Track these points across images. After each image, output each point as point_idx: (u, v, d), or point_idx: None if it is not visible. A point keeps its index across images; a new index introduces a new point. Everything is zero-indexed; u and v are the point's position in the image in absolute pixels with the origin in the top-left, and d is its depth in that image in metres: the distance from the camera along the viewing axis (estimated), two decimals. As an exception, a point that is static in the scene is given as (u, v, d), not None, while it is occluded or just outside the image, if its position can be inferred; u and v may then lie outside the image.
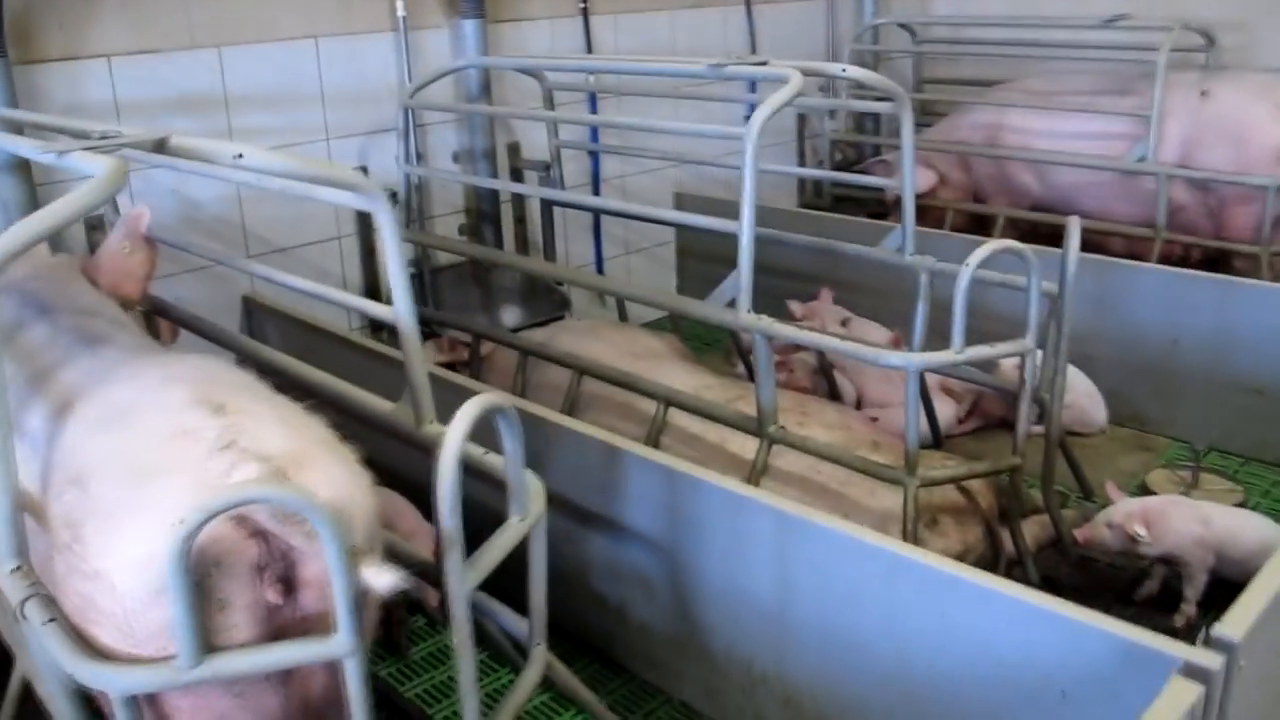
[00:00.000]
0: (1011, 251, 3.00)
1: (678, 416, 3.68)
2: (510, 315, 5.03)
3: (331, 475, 2.01)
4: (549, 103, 4.75)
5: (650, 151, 4.95)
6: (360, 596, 1.90)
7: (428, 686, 3.23)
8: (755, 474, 3.37)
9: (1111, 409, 4.51)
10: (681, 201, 5.69)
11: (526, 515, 2.27)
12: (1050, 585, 3.48)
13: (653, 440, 3.65)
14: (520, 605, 2.47)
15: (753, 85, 5.62)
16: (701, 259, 5.70)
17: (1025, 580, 3.34)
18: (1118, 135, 5.26)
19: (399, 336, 2.58)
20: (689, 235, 5.69)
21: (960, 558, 3.19)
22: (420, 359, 2.61)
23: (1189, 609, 3.32)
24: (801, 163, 6.32)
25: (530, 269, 4.04)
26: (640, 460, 2.96)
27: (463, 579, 2.03)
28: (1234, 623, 2.16)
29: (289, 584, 1.94)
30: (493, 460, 2.35)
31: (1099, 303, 4.46)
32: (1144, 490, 4.00)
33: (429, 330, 4.57)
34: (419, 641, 3.39)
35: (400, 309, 2.54)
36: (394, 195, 4.41)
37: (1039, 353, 3.36)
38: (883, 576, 2.51)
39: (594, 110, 5.27)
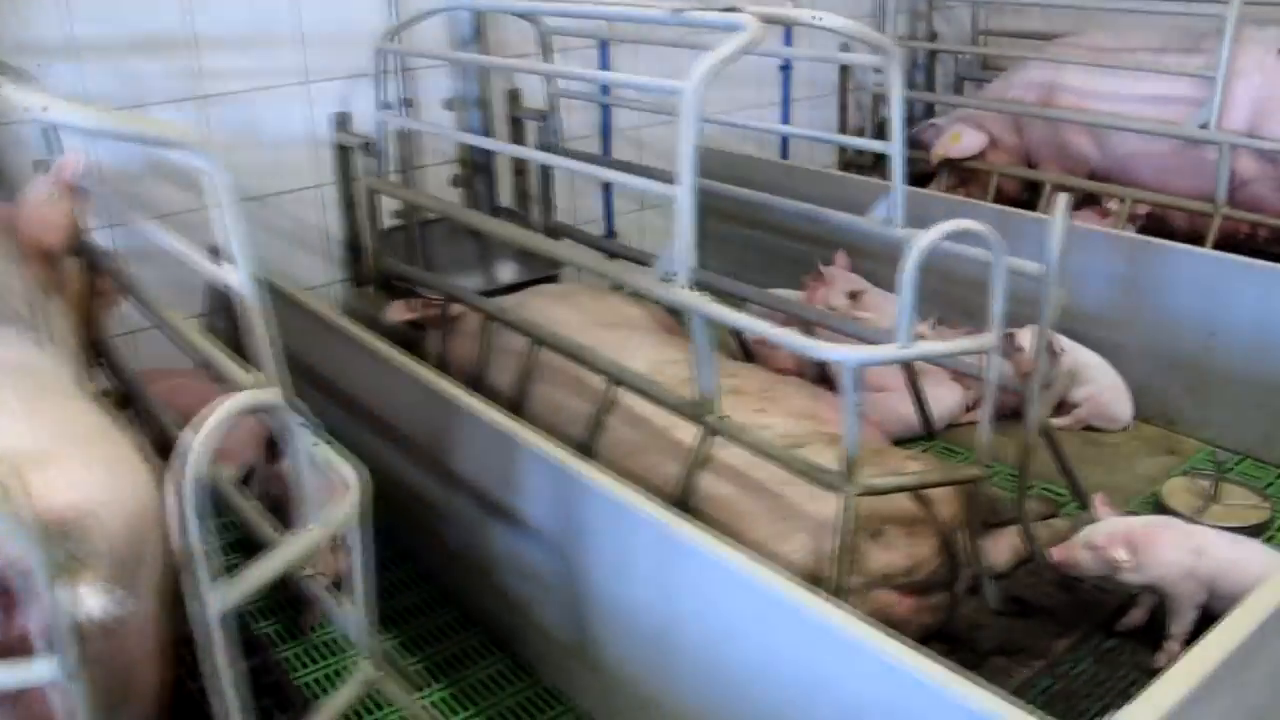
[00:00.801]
0: (970, 232, 2.54)
1: (631, 396, 3.32)
2: (506, 271, 4.71)
3: (75, 477, 1.73)
4: (546, 49, 4.39)
5: (644, 104, 4.55)
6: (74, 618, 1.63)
7: (329, 671, 2.99)
8: (692, 465, 3.01)
9: (1139, 405, 4.00)
10: (703, 156, 5.24)
11: (323, 523, 1.96)
12: (1021, 607, 3.07)
13: (598, 421, 3.31)
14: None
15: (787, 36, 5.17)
16: (723, 218, 5.28)
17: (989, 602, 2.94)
18: (1182, 99, 4.65)
19: (243, 308, 2.27)
20: (708, 191, 5.26)
21: (908, 574, 2.82)
22: (264, 332, 2.30)
23: (1173, 647, 2.86)
24: (843, 119, 5.81)
25: (490, 231, 3.70)
26: (533, 451, 2.63)
27: (206, 602, 1.74)
28: (1145, 711, 1.75)
29: (8, 599, 1.69)
30: (304, 455, 2.04)
31: (1131, 286, 3.94)
32: (1158, 503, 3.51)
33: (410, 289, 4.28)
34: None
35: (240, 277, 2.23)
36: (368, 145, 4.12)
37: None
38: (757, 613, 2.14)
39: (604, 59, 4.86)
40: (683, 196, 2.85)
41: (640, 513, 2.35)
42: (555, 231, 4.65)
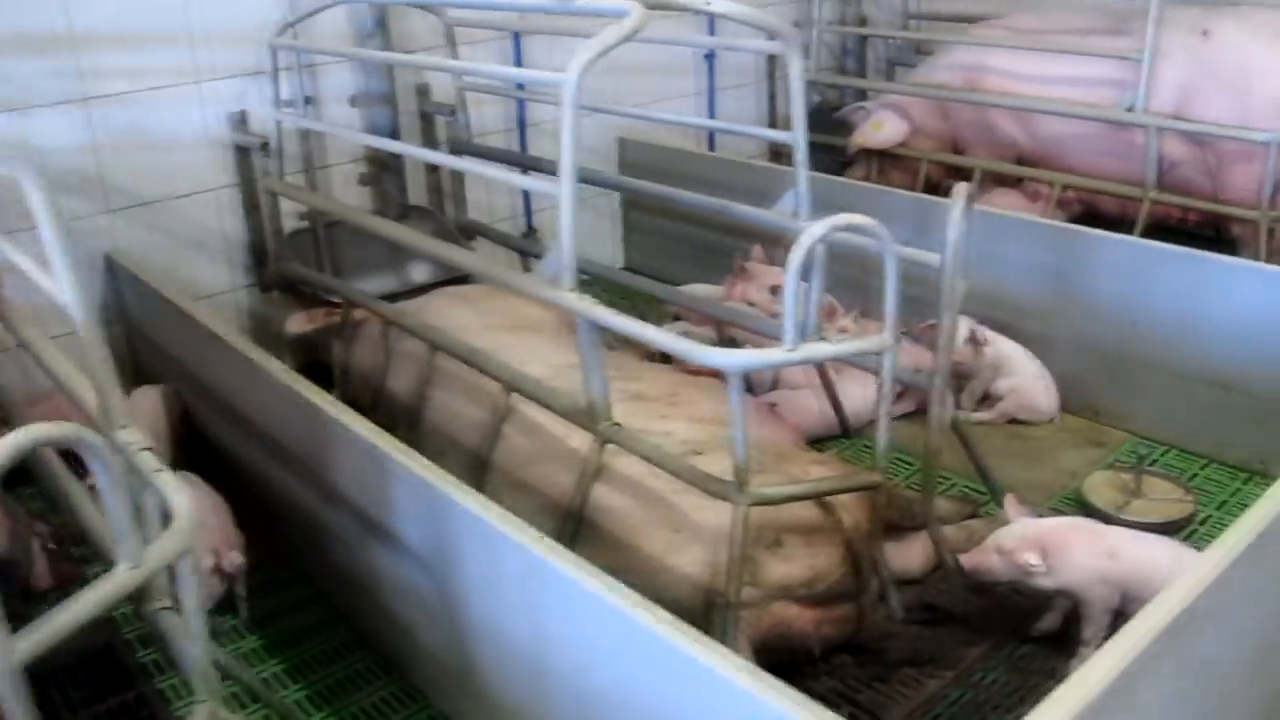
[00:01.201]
0: (855, 228, 2.38)
1: (528, 402, 3.14)
2: (419, 271, 4.52)
3: None
4: (451, 41, 4.19)
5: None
6: None
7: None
8: (585, 476, 2.84)
9: (1064, 396, 3.85)
10: (625, 149, 5.09)
11: (138, 563, 1.77)
12: (934, 614, 2.92)
13: (495, 429, 3.14)
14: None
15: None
16: (649, 212, 5.11)
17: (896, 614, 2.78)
18: (1109, 81, 4.51)
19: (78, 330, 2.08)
20: (638, 176, 5.09)
21: (809, 586, 2.66)
22: (99, 358, 2.11)
23: (1087, 653, 2.71)
24: (772, 107, 5.64)
25: (383, 234, 3.50)
26: (402, 469, 2.44)
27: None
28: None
29: None
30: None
31: (1053, 274, 3.79)
32: (1080, 499, 3.37)
33: (314, 295, 4.09)
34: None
35: (68, 295, 2.03)
36: (264, 145, 3.92)
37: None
38: (620, 641, 1.98)
39: (518, 51, 4.66)
40: (564, 194, 2.67)
41: (507, 536, 2.18)
42: (468, 230, 4.47)
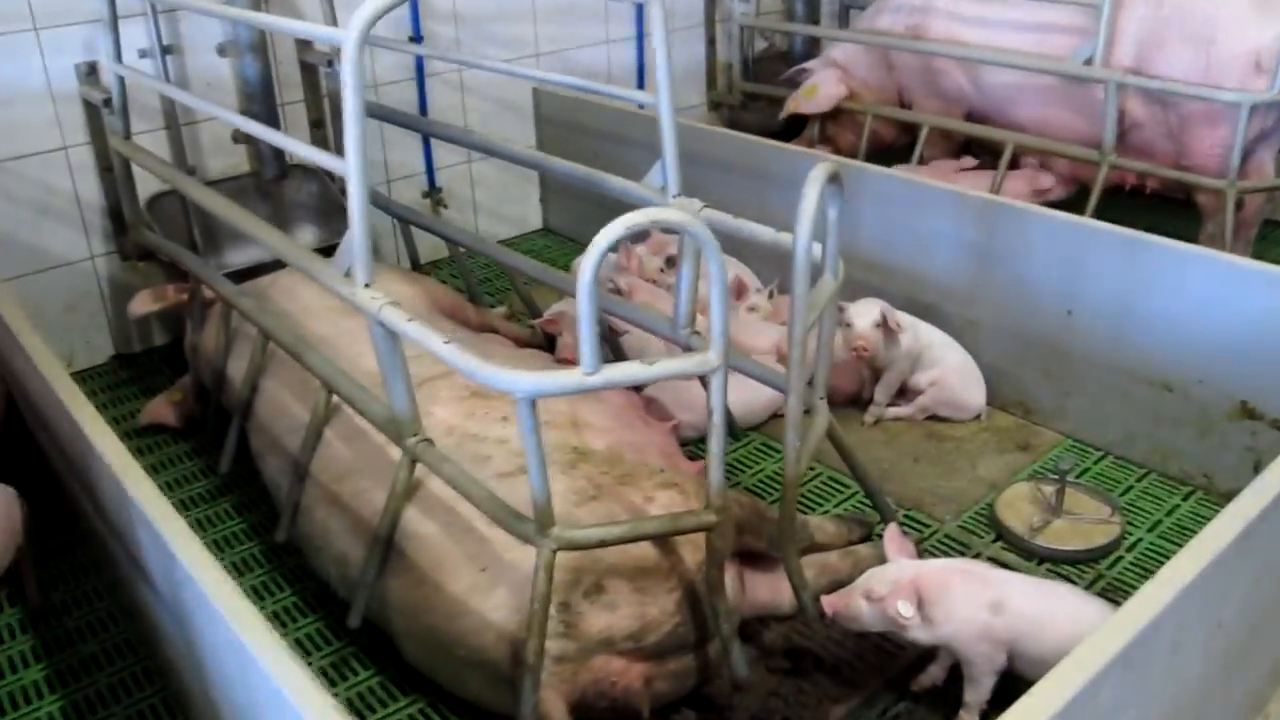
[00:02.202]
0: (660, 224, 1.87)
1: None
2: (305, 235, 4.04)
3: None
4: (323, -19, 3.66)
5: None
6: None
7: None
8: (393, 498, 2.37)
9: (993, 391, 3.34)
10: (541, 101, 4.54)
11: None
12: (798, 662, 2.45)
13: (315, 432, 2.67)
14: None
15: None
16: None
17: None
18: (1064, 28, 3.93)
19: None
20: (551, 139, 4.56)
21: (636, 638, 2.19)
22: None
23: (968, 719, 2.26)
24: (711, 54, 5.06)
25: (209, 208, 3.00)
26: (133, 499, 1.98)
27: None
28: None
29: None
30: None
31: (983, 253, 3.26)
32: (992, 514, 2.88)
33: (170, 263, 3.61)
34: None
35: None
36: (108, 101, 3.41)
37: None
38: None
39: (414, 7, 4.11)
40: (351, 175, 2.16)
41: (194, 583, 1.72)
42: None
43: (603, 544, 2.09)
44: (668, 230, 1.88)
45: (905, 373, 3.27)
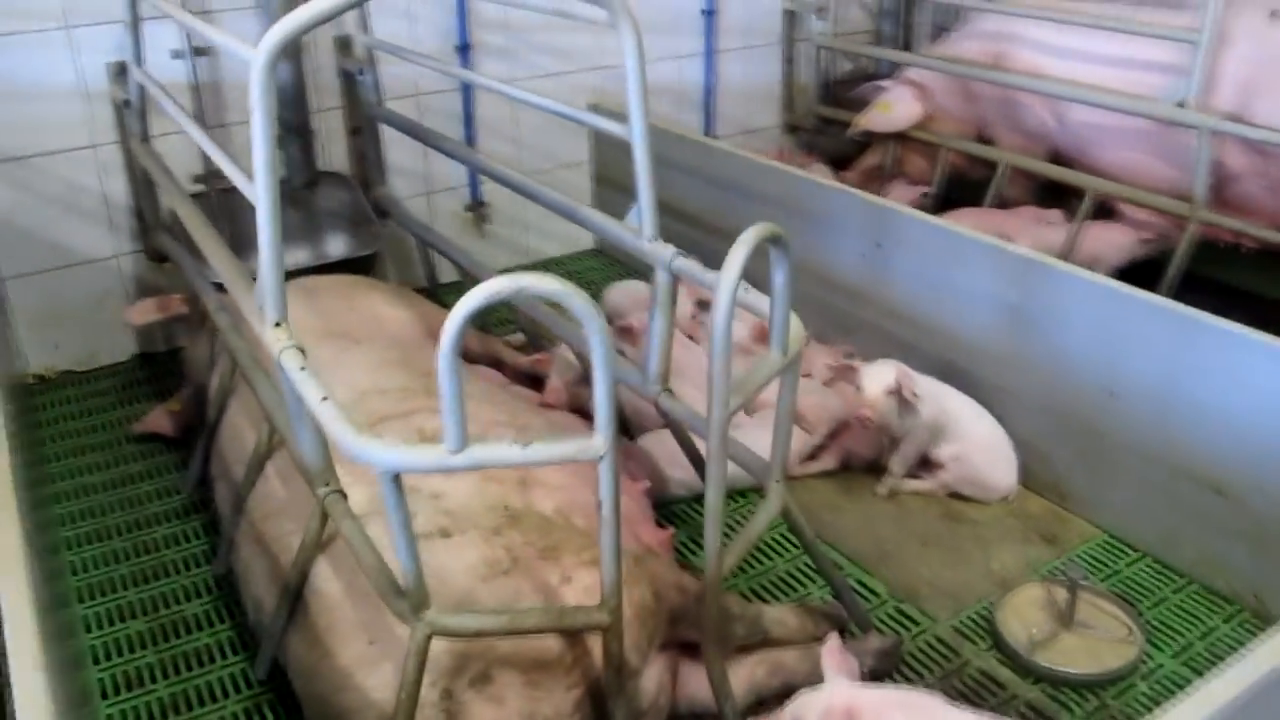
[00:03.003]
0: (530, 292, 1.61)
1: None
2: (335, 245, 3.92)
3: None
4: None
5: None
6: None
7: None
8: (303, 550, 2.20)
9: (1026, 469, 2.97)
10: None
11: None
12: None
13: (255, 467, 2.53)
14: None
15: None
16: (619, 189, 4.35)
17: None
18: (1162, 66, 3.48)
19: None
20: (608, 152, 4.34)
21: (527, 740, 1.95)
22: None
23: None
24: (789, 72, 4.73)
25: (190, 229, 2.86)
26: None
27: None
28: None
29: None
30: None
31: (1024, 318, 2.89)
32: (993, 617, 2.52)
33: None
34: None
35: None
36: (127, 102, 3.36)
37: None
38: None
39: (462, 8, 3.94)
40: (261, 201, 2.00)
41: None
42: (382, 205, 3.83)
43: (479, 634, 1.86)
44: (542, 296, 1.63)
45: (925, 444, 2.93)
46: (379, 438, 1.73)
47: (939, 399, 2.91)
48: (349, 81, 3.84)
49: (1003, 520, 2.89)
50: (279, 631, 2.24)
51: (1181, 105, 3.32)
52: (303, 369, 1.98)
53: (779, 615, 2.39)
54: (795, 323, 2.08)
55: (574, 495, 2.45)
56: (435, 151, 4.06)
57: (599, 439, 1.71)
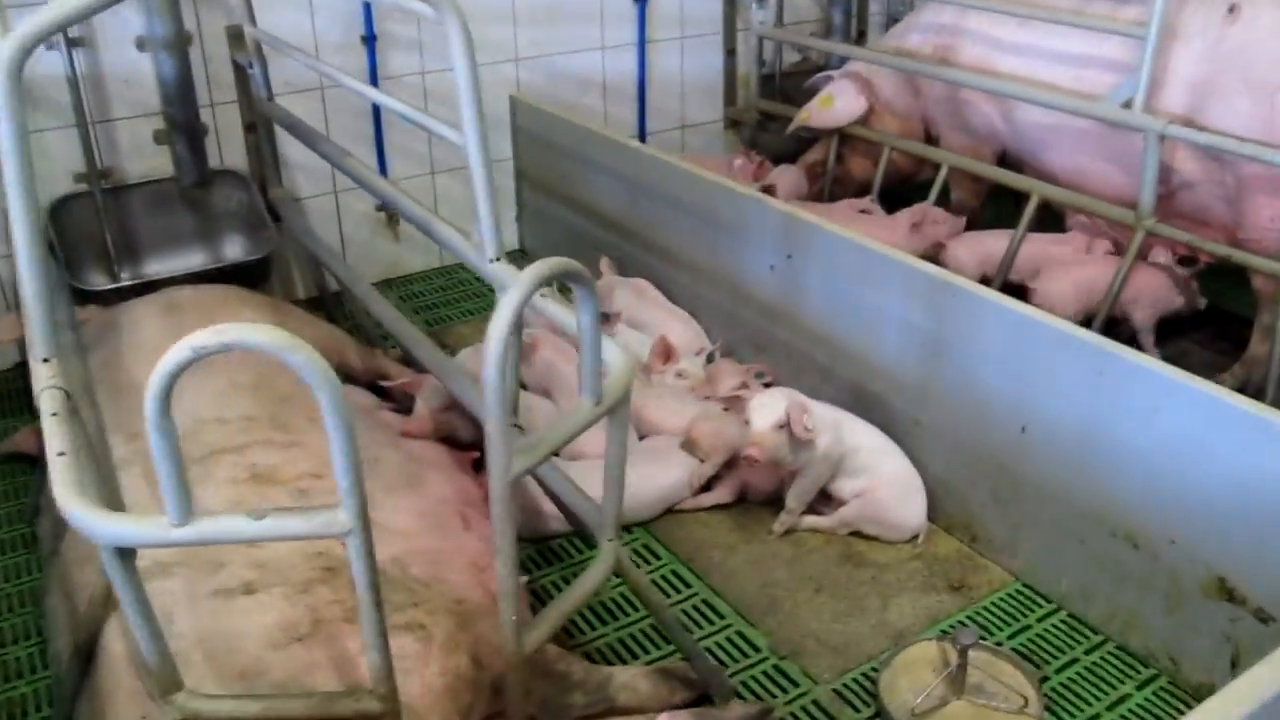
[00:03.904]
0: (235, 344, 1.38)
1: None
2: (234, 246, 3.70)
3: None
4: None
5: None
6: None
7: None
8: (92, 606, 1.98)
9: (938, 506, 2.71)
10: (518, 112, 4.06)
11: None
12: None
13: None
14: None
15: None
16: (540, 189, 4.10)
17: None
18: (1108, 63, 3.20)
19: None
20: (527, 153, 4.09)
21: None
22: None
23: None
24: (730, 63, 4.45)
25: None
26: None
27: None
28: None
29: None
30: None
31: (936, 343, 2.63)
32: (878, 680, 2.27)
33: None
34: None
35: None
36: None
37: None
38: None
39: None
40: (17, 226, 1.76)
41: None
42: (275, 207, 3.59)
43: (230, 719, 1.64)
44: (246, 346, 1.40)
45: (823, 478, 2.68)
46: (101, 508, 1.50)
47: (840, 430, 2.66)
48: (242, 74, 3.60)
49: (907, 564, 2.64)
50: (70, 693, 2.03)
51: (1128, 106, 3.04)
52: (54, 415, 1.75)
53: (628, 680, 2.15)
54: (621, 365, 1.84)
55: (418, 543, 2.23)
56: (346, 140, 3.85)
57: (343, 513, 1.47)
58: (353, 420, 1.43)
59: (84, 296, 3.24)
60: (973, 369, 2.54)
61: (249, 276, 3.46)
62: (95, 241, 3.49)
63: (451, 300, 3.97)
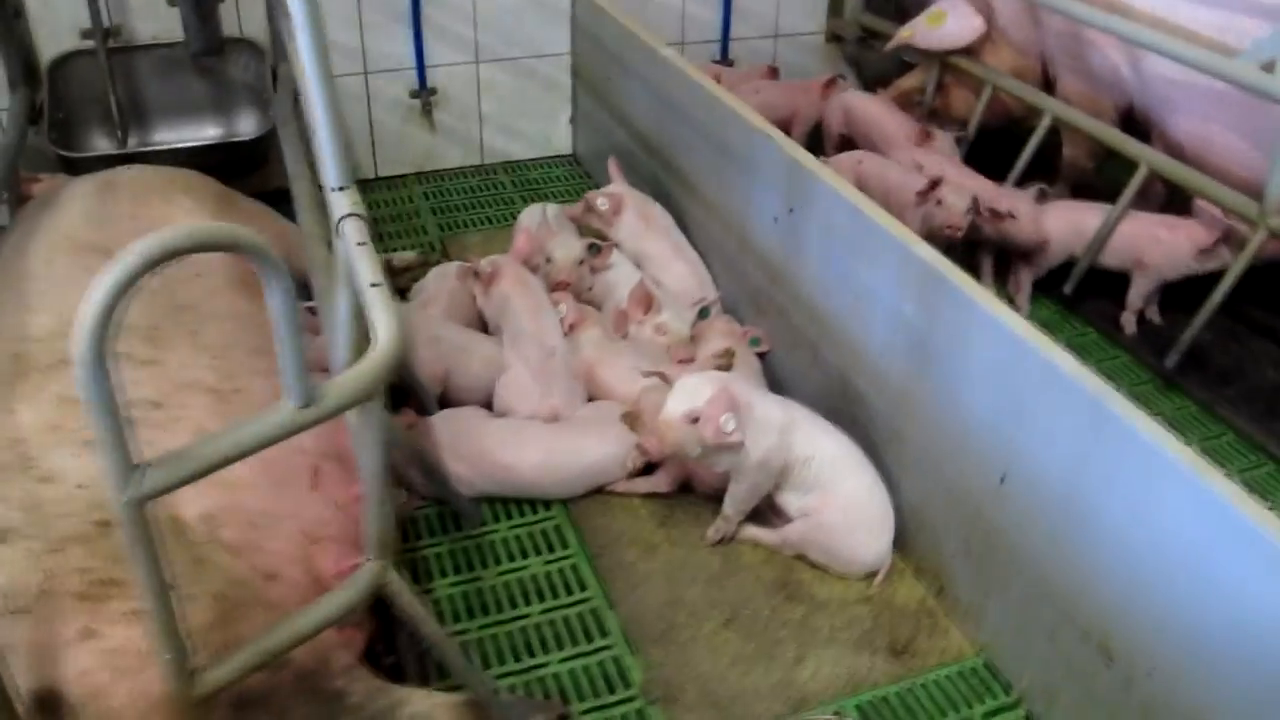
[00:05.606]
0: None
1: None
2: (245, 120, 3.44)
3: None
4: None
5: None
6: None
7: None
8: None
9: (909, 541, 2.21)
10: (579, 9, 3.57)
11: None
12: None
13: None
14: None
15: None
16: (591, 92, 3.63)
17: None
18: (1270, 11, 2.46)
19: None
20: (584, 49, 3.61)
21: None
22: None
23: None
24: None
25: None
26: None
27: None
28: None
29: None
30: None
31: (924, 343, 2.09)
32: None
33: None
34: None
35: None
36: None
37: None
38: None
39: None
40: None
41: None
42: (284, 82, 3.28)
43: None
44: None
45: (762, 488, 2.21)
46: None
47: (791, 434, 2.16)
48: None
49: (851, 607, 2.16)
50: None
51: (1268, 70, 2.32)
52: None
53: (425, 710, 1.80)
54: (386, 345, 1.43)
55: (244, 498, 1.93)
56: (374, 25, 3.50)
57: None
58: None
59: (70, 165, 3.05)
60: (956, 386, 2.00)
61: (249, 154, 3.21)
62: (99, 104, 3.29)
63: (477, 204, 3.61)
